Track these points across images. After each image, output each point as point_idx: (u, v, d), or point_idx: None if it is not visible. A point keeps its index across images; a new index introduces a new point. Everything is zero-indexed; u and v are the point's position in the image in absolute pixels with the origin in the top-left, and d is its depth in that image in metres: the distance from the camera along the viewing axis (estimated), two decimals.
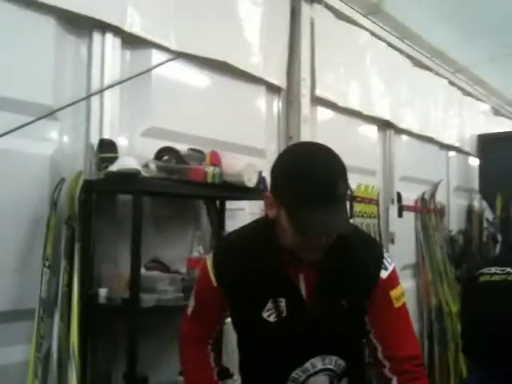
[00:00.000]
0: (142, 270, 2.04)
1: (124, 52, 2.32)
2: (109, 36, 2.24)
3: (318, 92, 3.22)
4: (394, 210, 4.02)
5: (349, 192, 1.33)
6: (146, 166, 2.06)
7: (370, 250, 1.41)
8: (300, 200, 1.18)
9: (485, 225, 4.99)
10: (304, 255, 1.29)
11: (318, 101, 3.27)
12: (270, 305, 1.33)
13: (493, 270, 2.18)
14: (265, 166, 2.90)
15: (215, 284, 1.36)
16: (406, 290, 4.20)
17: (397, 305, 1.37)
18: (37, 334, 1.85)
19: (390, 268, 1.38)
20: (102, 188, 1.99)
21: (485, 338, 2.07)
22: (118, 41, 2.27)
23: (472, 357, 2.27)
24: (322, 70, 3.24)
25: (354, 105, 3.55)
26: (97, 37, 2.21)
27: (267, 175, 2.77)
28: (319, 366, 1.37)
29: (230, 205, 2.67)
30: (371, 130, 3.89)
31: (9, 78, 1.90)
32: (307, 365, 1.36)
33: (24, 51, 1.95)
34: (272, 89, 3.04)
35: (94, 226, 2.08)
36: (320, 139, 3.15)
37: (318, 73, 3.21)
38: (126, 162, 1.91)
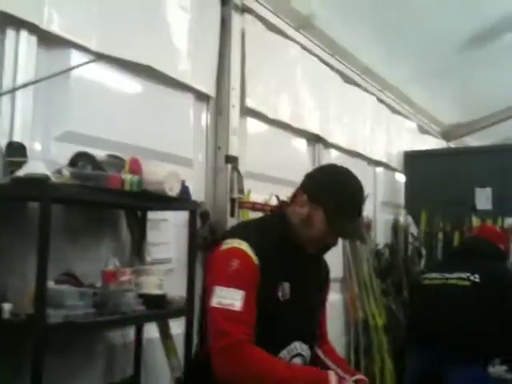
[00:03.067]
0: (51, 284, 1.90)
1: (40, 51, 2.18)
2: (24, 33, 2.09)
3: (248, 103, 3.19)
4: None
5: None
6: (58, 172, 1.94)
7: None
8: (342, 209, 1.51)
9: (410, 239, 5.10)
10: (311, 248, 1.57)
11: (247, 112, 3.23)
12: (282, 285, 1.53)
13: (433, 275, 2.69)
14: (192, 176, 2.85)
15: (256, 262, 1.48)
16: (334, 303, 4.23)
17: (329, 298, 1.78)
18: None
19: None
20: (8, 194, 1.84)
21: (425, 330, 2.48)
22: (33, 39, 2.13)
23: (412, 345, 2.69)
24: (252, 81, 3.21)
25: (284, 117, 3.54)
26: (10, 34, 2.07)
27: (192, 185, 2.75)
28: (298, 349, 1.58)
29: (152, 215, 2.57)
30: (301, 144, 3.90)
31: None
32: (292, 346, 1.56)
33: None
34: (201, 97, 2.97)
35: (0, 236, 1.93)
36: (249, 151, 3.20)
37: (248, 83, 3.18)
38: (34, 166, 1.77)
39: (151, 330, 2.47)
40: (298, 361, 1.59)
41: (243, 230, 1.64)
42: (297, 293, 1.57)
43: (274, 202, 3.42)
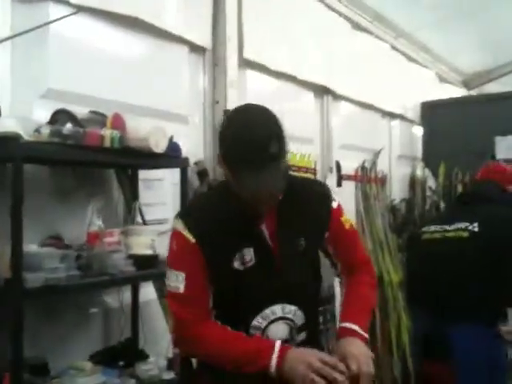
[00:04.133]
0: (33, 247, 1.83)
1: (15, 5, 2.08)
2: None
3: (247, 54, 3.02)
4: (332, 179, 3.89)
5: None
6: (37, 130, 1.85)
7: (317, 189, 1.56)
8: (238, 163, 1.27)
9: (428, 193, 4.93)
10: (259, 207, 1.37)
11: (246, 63, 3.07)
12: (239, 254, 1.39)
13: (432, 228, 2.36)
14: (188, 133, 2.74)
15: (193, 240, 1.37)
16: None
17: (347, 227, 1.55)
18: None
19: (337, 199, 1.55)
20: None
21: (425, 290, 2.27)
22: None
23: (413, 305, 2.47)
24: (250, 30, 3.04)
25: (287, 69, 3.37)
26: None
27: (189, 141, 2.64)
28: (279, 313, 1.42)
29: (146, 175, 2.48)
30: (307, 96, 3.73)
31: None
32: (267, 311, 1.41)
33: None
34: (196, 50, 2.83)
35: None
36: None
37: (246, 33, 3.01)
38: (5, 124, 1.68)
39: (149, 292, 2.42)
40: (279, 326, 1.43)
41: (188, 207, 1.58)
42: (266, 253, 1.41)
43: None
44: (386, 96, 4.56)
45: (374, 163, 4.36)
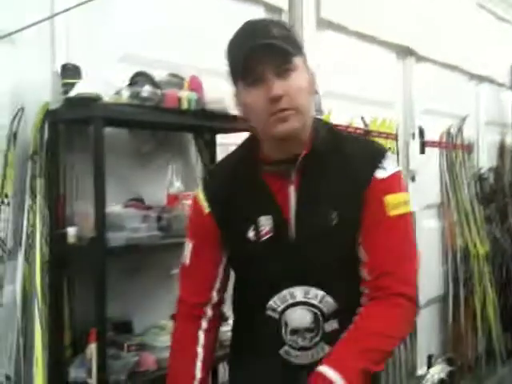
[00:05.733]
0: (116, 208, 1.86)
1: None
2: None
3: (324, 14, 2.91)
4: (415, 145, 3.72)
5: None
6: (117, 93, 1.86)
7: (363, 148, 1.22)
8: (236, 46, 1.12)
9: None
10: (278, 127, 1.12)
11: (324, 24, 2.96)
12: (257, 222, 1.20)
13: None
14: None
15: (207, 210, 1.23)
16: (431, 230, 3.94)
17: (391, 213, 1.15)
18: None
19: (392, 171, 1.18)
20: (64, 117, 1.79)
21: None
22: None
23: None
24: None
25: (368, 29, 3.21)
26: None
27: None
28: (299, 297, 1.20)
29: (224, 139, 2.45)
30: (389, 58, 3.56)
31: None
32: (285, 292, 1.20)
33: None
34: (272, 10, 2.74)
35: (64, 161, 1.91)
36: (328, 67, 2.94)
37: None
38: (85, 86, 1.70)
39: None
40: (300, 312, 1.20)
41: (209, 171, 1.42)
42: (284, 224, 1.19)
43: (358, 123, 3.19)
44: (474, 57, 4.26)
45: (460, 129, 4.13)
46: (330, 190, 1.17)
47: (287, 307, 1.20)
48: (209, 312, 1.27)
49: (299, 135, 1.15)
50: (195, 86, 1.98)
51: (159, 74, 2.05)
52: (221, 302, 1.29)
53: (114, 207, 1.84)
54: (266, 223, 1.19)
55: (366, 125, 3.24)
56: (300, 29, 2.78)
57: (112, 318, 1.86)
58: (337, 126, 2.81)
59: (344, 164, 1.18)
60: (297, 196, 1.18)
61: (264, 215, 1.19)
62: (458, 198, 4.06)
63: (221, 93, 2.01)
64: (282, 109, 1.09)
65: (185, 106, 1.86)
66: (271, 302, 1.20)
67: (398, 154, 3.47)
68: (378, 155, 1.19)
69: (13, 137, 1.76)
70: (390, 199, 1.16)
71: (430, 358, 3.74)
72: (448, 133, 4.06)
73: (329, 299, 1.19)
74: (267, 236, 1.19)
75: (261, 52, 1.07)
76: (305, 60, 1.16)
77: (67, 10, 1.96)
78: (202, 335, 1.26)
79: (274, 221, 1.19)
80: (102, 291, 1.68)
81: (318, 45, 2.89)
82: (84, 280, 1.87)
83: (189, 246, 1.27)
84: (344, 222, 1.16)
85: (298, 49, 1.13)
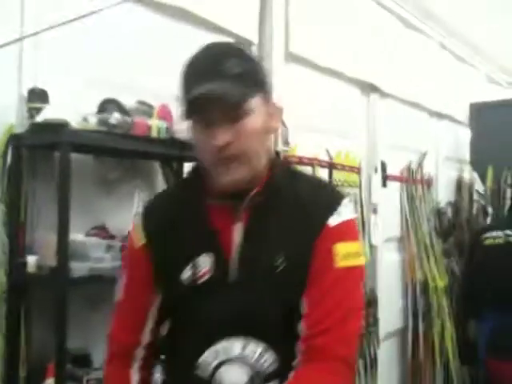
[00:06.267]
0: (79, 236, 1.82)
1: None
2: None
3: (293, 48, 2.96)
4: (377, 179, 3.78)
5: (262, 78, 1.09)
6: (85, 119, 1.83)
7: (320, 192, 1.13)
8: (185, 84, 1.05)
9: (475, 197, 4.77)
10: (222, 177, 1.04)
11: (292, 58, 3.01)
12: (195, 262, 1.07)
13: (494, 234, 2.59)
14: None
15: (142, 242, 1.12)
16: (390, 263, 4.01)
17: (339, 264, 1.05)
18: None
19: (346, 217, 1.08)
20: (29, 142, 1.75)
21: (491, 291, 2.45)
22: None
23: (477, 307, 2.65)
24: (297, 24, 2.97)
25: (335, 65, 3.29)
26: None
27: None
28: (236, 351, 1.04)
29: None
30: (353, 93, 3.64)
31: None
32: (219, 347, 1.05)
33: None
34: (241, 42, 2.77)
35: (26, 187, 1.85)
36: (296, 100, 2.98)
37: (292, 27, 2.95)
38: (52, 111, 1.67)
39: None
40: (234, 371, 1.04)
41: (150, 199, 1.27)
42: (227, 266, 1.07)
43: (323, 155, 3.23)
44: (434, 96, 4.42)
45: (420, 164, 4.24)
46: (280, 231, 1.07)
47: (219, 364, 1.05)
48: (141, 353, 1.16)
49: (248, 181, 1.06)
50: (164, 114, 1.97)
51: (127, 100, 2.03)
52: (155, 340, 1.17)
53: (76, 236, 1.80)
54: (204, 263, 1.07)
55: (330, 158, 3.29)
56: (269, 62, 2.82)
57: (71, 350, 1.80)
58: (301, 160, 2.95)
59: (298, 207, 1.08)
60: (243, 235, 1.07)
61: (204, 254, 1.07)
62: (418, 231, 4.14)
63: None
64: (227, 158, 1.01)
65: (154, 134, 1.85)
66: (203, 358, 1.06)
67: (360, 188, 3.52)
68: (334, 201, 1.10)
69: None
70: (339, 248, 1.06)
71: None
72: (408, 167, 4.15)
73: (269, 356, 1.04)
74: (205, 278, 1.06)
75: (206, 99, 0.99)
76: (266, 96, 1.07)
77: (36, 33, 1.94)
78: (134, 377, 1.15)
79: (215, 260, 1.07)
80: (63, 323, 1.62)
81: (285, 78, 2.93)
82: (44, 310, 1.80)
83: (122, 280, 1.17)
84: (291, 267, 1.05)
85: (254, 87, 1.03)
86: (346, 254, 1.06)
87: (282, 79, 2.88)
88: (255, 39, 2.81)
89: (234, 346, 1.05)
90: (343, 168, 3.37)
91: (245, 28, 2.72)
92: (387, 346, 3.82)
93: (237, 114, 1.01)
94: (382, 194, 3.81)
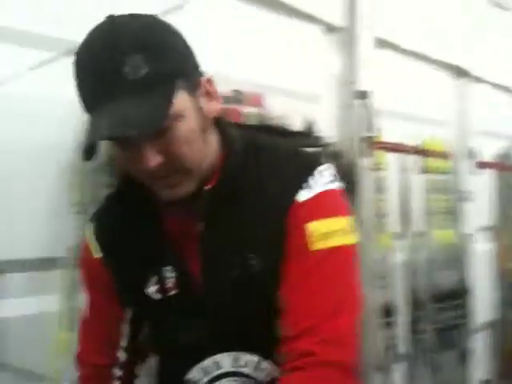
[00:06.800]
0: None
1: None
2: None
3: (381, 33, 2.92)
4: (468, 166, 3.66)
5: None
6: None
7: (286, 165, 0.93)
8: (82, 96, 0.81)
9: None
10: (163, 193, 0.87)
11: (380, 43, 2.97)
12: (156, 276, 0.95)
13: None
14: (320, 114, 2.70)
15: (98, 255, 1.00)
16: (483, 253, 3.88)
17: (315, 246, 0.87)
18: (69, 281, 1.77)
19: (319, 189, 0.90)
20: None
21: None
22: None
23: None
24: (385, 8, 2.93)
25: (423, 48, 3.21)
26: None
27: (320, 123, 2.60)
28: (227, 366, 0.94)
29: None
30: (443, 78, 3.53)
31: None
32: (208, 362, 0.94)
33: None
34: (329, 29, 2.78)
35: None
36: (382, 85, 2.95)
37: (380, 11, 2.90)
38: None
39: None
40: None
41: (100, 204, 1.11)
42: (190, 277, 0.94)
43: (411, 141, 3.17)
44: None
45: None
46: (246, 228, 0.91)
47: (211, 381, 0.95)
48: (117, 373, 1.06)
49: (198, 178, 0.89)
50: (256, 102, 2.03)
51: (222, 90, 2.10)
52: (132, 358, 1.08)
53: None
54: (168, 275, 0.95)
55: (418, 144, 3.22)
56: (357, 48, 2.80)
57: None
58: (389, 143, 2.91)
59: (261, 192, 0.91)
60: (204, 240, 0.93)
61: (165, 267, 0.95)
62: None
63: (281, 110, 2.06)
64: (163, 177, 0.85)
65: (247, 121, 1.90)
66: (191, 375, 0.96)
67: (451, 175, 3.42)
68: (303, 172, 0.91)
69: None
70: (314, 227, 0.87)
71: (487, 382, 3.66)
72: (503, 154, 3.98)
73: (266, 365, 0.93)
74: (172, 292, 0.95)
75: (114, 126, 0.77)
76: (191, 81, 0.85)
77: None
78: None
79: (176, 273, 0.94)
80: None
81: (374, 64, 2.90)
82: None
83: (85, 297, 1.08)
84: (269, 266, 0.89)
85: (173, 84, 0.80)
86: (324, 233, 0.87)
87: (371, 65, 2.87)
88: (342, 25, 2.80)
89: (224, 360, 0.94)
90: (431, 154, 3.29)
91: (333, 14, 2.72)
92: (480, 337, 3.70)
93: (159, 127, 0.79)
94: (474, 181, 3.68)
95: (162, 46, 0.80)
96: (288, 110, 2.07)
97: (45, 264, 1.80)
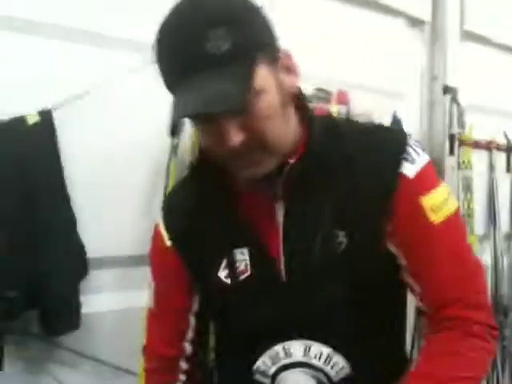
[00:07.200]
0: None
1: None
2: None
3: (468, 26, 2.80)
4: None
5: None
6: None
7: (376, 138, 0.90)
8: (164, 74, 0.80)
9: None
10: (244, 172, 0.84)
11: (467, 36, 2.85)
12: (230, 257, 0.91)
13: None
14: (405, 110, 2.62)
15: (169, 243, 0.97)
16: None
17: (435, 218, 0.85)
18: None
19: (422, 161, 0.87)
20: None
21: None
22: None
23: None
24: (472, 1, 2.81)
25: None
26: None
27: (405, 119, 2.53)
28: (297, 355, 0.89)
29: None
30: None
31: None
32: (278, 349, 0.90)
33: None
34: (414, 23, 2.69)
35: None
36: (470, 79, 2.82)
37: (467, 4, 2.79)
38: None
39: None
40: (297, 379, 0.89)
41: (170, 193, 1.10)
42: (265, 259, 0.89)
43: (501, 138, 3.02)
44: None
45: None
46: (333, 203, 0.86)
47: (280, 370, 0.90)
48: (183, 365, 1.04)
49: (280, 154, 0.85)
50: (342, 99, 1.99)
51: (306, 88, 2.08)
52: (197, 352, 1.05)
53: None
54: (241, 258, 0.91)
55: (509, 140, 3.06)
56: (443, 42, 2.70)
57: None
58: (478, 140, 2.78)
59: (351, 166, 0.87)
60: (285, 218, 0.88)
61: (239, 248, 0.91)
62: None
63: (367, 107, 2.01)
64: (245, 153, 0.80)
65: None
66: (259, 363, 0.92)
67: None
68: (399, 144, 0.87)
69: (173, 148, 1.86)
70: (428, 201, 0.85)
71: None
72: None
73: (338, 359, 0.88)
74: (245, 275, 0.90)
75: (198, 104, 0.75)
76: (272, 53, 0.82)
77: None
78: None
79: (253, 255, 0.90)
80: None
81: (461, 57, 2.79)
82: None
83: (152, 287, 1.04)
84: (357, 244, 0.86)
85: (255, 57, 0.78)
86: (438, 205, 0.86)
87: (458, 58, 2.76)
88: (428, 18, 2.71)
89: (295, 348, 0.89)
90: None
91: (418, 7, 2.64)
92: None
93: (243, 104, 0.76)
94: None
95: (243, 20, 0.78)
96: (374, 106, 2.01)
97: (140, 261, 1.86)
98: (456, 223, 0.90)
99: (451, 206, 0.89)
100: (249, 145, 0.79)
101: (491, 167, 2.98)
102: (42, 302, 1.47)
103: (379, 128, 0.98)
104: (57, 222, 1.49)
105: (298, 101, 0.90)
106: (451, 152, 2.66)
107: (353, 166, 0.87)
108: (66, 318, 1.51)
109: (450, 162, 2.67)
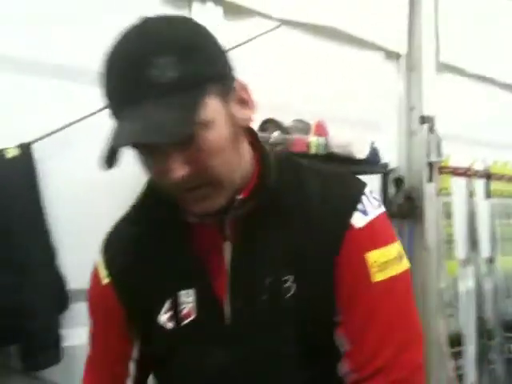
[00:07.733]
0: None
1: (224, 21, 2.23)
2: (210, 5, 2.15)
3: (443, 57, 2.89)
4: None
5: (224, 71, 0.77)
6: None
7: (333, 183, 0.86)
8: (107, 100, 0.75)
9: None
10: (192, 207, 0.79)
11: (443, 67, 2.93)
12: (175, 299, 0.83)
13: None
14: (383, 140, 2.68)
15: (106, 280, 0.89)
16: None
17: (377, 278, 0.80)
18: None
19: (374, 214, 0.83)
20: None
21: None
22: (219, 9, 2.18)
23: None
24: (447, 33, 2.90)
25: (488, 71, 3.15)
26: (196, 6, 2.14)
27: (383, 150, 2.58)
28: None
29: None
30: (510, 100, 3.44)
31: None
32: None
33: None
34: (390, 56, 2.78)
35: None
36: (446, 110, 2.90)
37: (442, 36, 2.88)
38: None
39: None
40: None
41: (112, 227, 0.97)
42: (216, 301, 0.83)
43: (478, 166, 3.08)
44: None
45: None
46: (283, 245, 0.81)
47: None
48: None
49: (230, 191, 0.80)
50: (321, 131, 2.03)
51: (284, 120, 2.13)
52: None
53: None
54: (186, 300, 0.83)
55: (486, 168, 3.13)
56: (419, 73, 2.78)
57: None
58: (457, 168, 2.85)
59: (305, 208, 0.83)
60: (233, 256, 0.83)
61: (184, 289, 0.83)
62: None
63: (345, 138, 2.06)
64: (191, 188, 0.76)
65: (313, 150, 1.92)
66: None
67: None
68: (353, 192, 0.84)
69: None
70: (374, 257, 0.80)
71: None
72: None
73: None
74: (189, 319, 0.83)
75: (140, 134, 0.70)
76: (225, 84, 0.77)
77: None
78: None
79: (198, 297, 0.83)
80: None
81: (437, 88, 2.87)
82: None
83: (90, 330, 0.95)
84: (306, 290, 0.80)
85: (204, 87, 0.72)
86: (384, 262, 0.81)
87: (434, 89, 2.84)
88: (404, 51, 2.78)
89: None
90: (501, 178, 3.19)
91: (394, 41, 2.72)
92: None
93: (185, 136, 0.72)
94: None
95: (194, 48, 0.72)
96: (352, 137, 2.05)
97: None
98: (400, 286, 0.83)
99: (399, 267, 0.83)
100: (196, 179, 0.75)
101: (470, 193, 3.04)
102: (22, 337, 1.46)
103: (339, 174, 0.91)
104: (35, 255, 1.49)
105: (252, 136, 0.86)
106: (430, 179, 2.72)
107: (307, 209, 0.83)
108: (47, 353, 1.50)
109: (429, 188, 2.71)
